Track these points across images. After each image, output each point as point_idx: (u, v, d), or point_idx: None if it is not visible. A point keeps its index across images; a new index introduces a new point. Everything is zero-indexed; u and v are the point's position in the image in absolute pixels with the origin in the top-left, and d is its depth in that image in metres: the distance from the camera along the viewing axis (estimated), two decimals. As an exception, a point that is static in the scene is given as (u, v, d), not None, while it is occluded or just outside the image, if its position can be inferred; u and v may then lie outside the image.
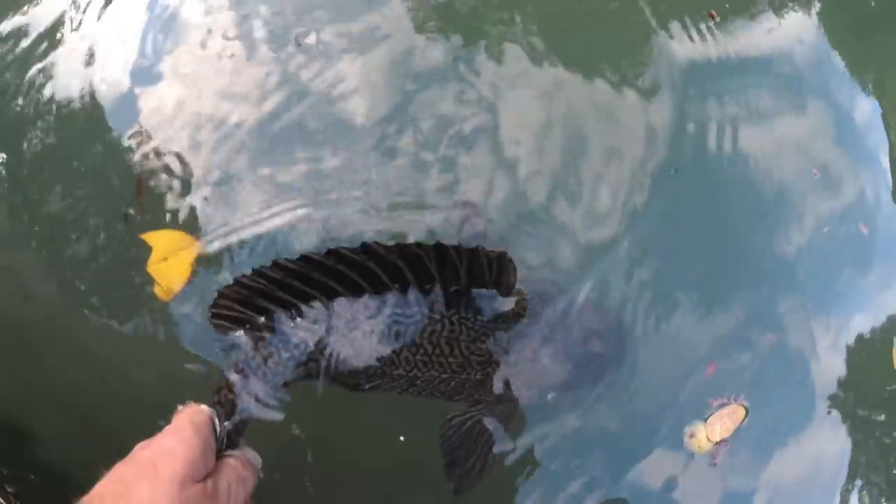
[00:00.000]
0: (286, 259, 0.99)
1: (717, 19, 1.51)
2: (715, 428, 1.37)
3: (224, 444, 0.91)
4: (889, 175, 1.57)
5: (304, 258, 0.99)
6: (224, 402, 0.99)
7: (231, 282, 1.02)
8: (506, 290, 1.08)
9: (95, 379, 1.23)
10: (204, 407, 0.90)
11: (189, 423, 0.85)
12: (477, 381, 1.15)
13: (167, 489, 0.75)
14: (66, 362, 1.25)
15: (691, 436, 1.38)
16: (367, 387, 1.14)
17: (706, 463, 1.36)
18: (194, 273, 1.21)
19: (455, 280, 1.06)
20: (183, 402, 0.90)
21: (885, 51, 1.70)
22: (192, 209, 1.25)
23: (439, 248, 0.99)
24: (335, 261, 1.00)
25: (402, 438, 1.21)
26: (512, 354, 1.16)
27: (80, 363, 1.24)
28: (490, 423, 1.19)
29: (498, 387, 1.16)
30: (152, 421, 1.12)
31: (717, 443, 1.37)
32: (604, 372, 1.30)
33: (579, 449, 1.31)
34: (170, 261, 1.20)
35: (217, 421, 0.90)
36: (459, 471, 1.17)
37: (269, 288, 1.00)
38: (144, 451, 0.80)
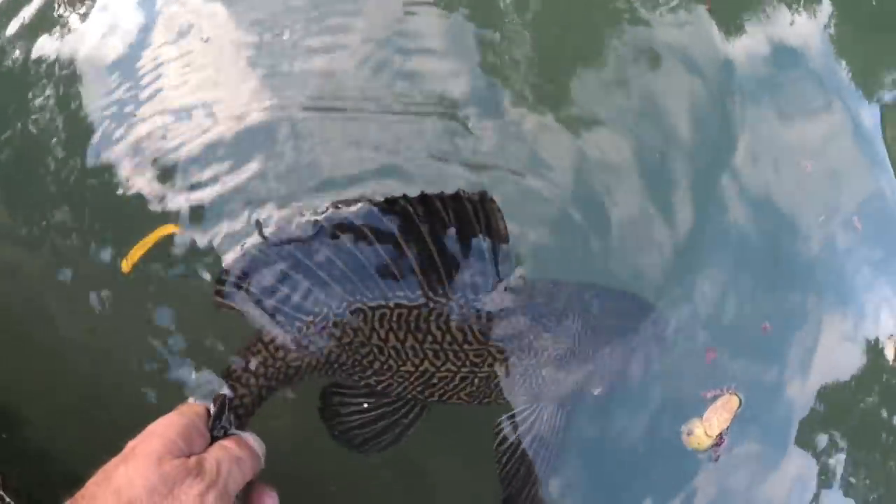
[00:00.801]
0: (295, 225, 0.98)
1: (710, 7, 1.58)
2: (712, 422, 1.34)
3: (221, 426, 0.90)
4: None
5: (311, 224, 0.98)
6: (228, 384, 0.96)
7: (238, 251, 1.00)
8: (498, 236, 1.02)
9: (82, 366, 1.21)
10: (199, 403, 0.92)
11: (175, 410, 0.86)
12: (506, 374, 1.07)
13: (142, 465, 0.75)
14: (52, 349, 1.22)
15: (689, 434, 1.35)
16: (379, 387, 1.07)
17: (708, 459, 1.35)
18: (158, 246, 1.22)
19: (444, 231, 1.01)
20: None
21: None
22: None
23: (424, 198, 0.98)
24: (335, 227, 0.98)
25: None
26: (539, 341, 1.08)
27: (67, 350, 1.21)
28: (547, 436, 1.10)
29: (532, 382, 1.08)
30: (138, 409, 1.07)
31: (716, 437, 1.35)
32: (650, 361, 1.23)
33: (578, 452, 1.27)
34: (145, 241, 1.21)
35: (211, 405, 0.91)
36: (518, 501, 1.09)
37: (275, 259, 0.98)
38: (130, 442, 0.81)
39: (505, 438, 1.09)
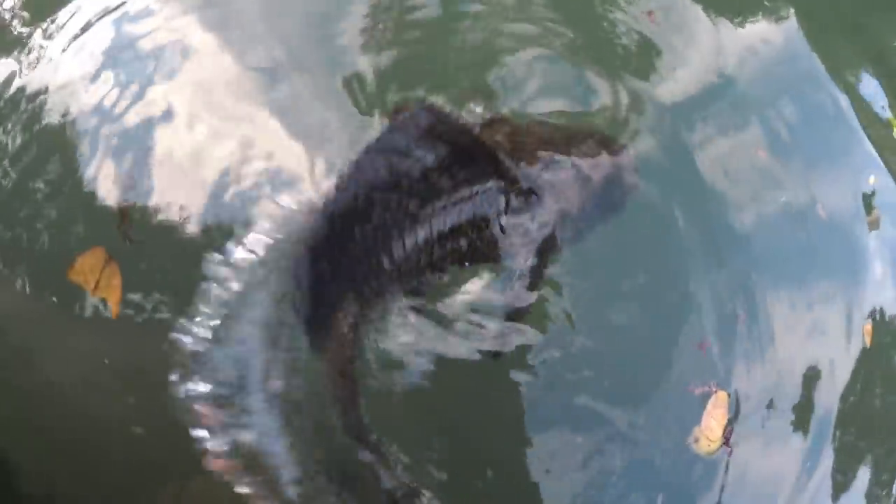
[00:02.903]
0: None
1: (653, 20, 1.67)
2: (711, 425, 1.37)
3: None
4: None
5: None
6: None
7: None
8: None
9: (70, 406, 1.20)
10: None
11: None
12: None
13: None
14: (40, 389, 1.22)
15: (695, 441, 1.37)
16: None
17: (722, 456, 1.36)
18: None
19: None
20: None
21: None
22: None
23: None
24: None
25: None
26: None
27: (56, 390, 1.21)
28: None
29: None
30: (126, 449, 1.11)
31: (721, 437, 1.38)
32: None
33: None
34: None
35: None
36: None
37: None
38: None
39: None
